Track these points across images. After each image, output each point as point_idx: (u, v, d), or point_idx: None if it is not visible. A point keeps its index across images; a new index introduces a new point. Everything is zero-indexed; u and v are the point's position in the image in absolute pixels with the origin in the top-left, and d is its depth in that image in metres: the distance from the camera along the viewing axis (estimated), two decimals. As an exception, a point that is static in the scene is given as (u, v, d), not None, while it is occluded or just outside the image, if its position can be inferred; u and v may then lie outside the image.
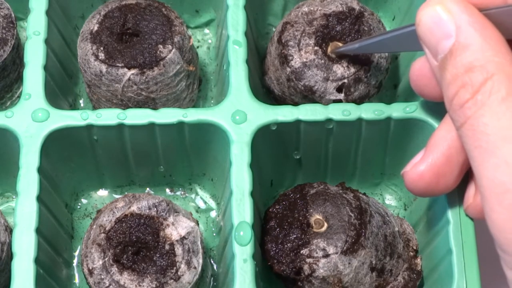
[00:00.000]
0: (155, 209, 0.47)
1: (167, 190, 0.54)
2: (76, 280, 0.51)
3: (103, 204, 0.54)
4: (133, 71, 0.50)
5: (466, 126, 0.37)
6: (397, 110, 0.49)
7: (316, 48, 0.51)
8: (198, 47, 0.58)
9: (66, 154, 0.50)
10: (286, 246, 0.47)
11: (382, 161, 0.52)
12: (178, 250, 0.46)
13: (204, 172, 0.53)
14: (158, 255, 0.46)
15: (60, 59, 0.53)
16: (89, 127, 0.49)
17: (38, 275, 0.45)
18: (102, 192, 0.54)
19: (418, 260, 0.49)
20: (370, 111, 0.48)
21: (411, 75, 0.44)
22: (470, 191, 0.43)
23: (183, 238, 0.46)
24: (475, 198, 0.42)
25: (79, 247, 0.52)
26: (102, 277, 0.45)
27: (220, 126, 0.48)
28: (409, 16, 0.55)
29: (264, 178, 0.52)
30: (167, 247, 0.46)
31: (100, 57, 0.50)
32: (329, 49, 0.51)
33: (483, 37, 0.37)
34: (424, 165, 0.42)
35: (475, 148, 0.36)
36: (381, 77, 0.52)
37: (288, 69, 0.51)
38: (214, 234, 0.53)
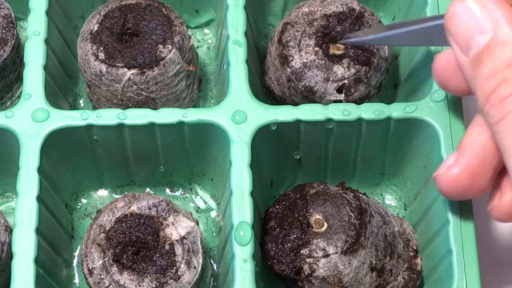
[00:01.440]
0: (155, 209, 0.47)
1: (167, 190, 0.54)
2: (76, 280, 0.51)
3: (103, 204, 0.54)
4: (133, 71, 0.50)
5: (507, 120, 0.37)
6: (397, 110, 0.49)
7: (316, 48, 0.51)
8: (198, 47, 0.58)
9: (66, 154, 0.50)
10: (286, 246, 0.47)
11: (382, 161, 0.52)
12: (178, 250, 0.46)
13: (204, 172, 0.53)
14: (158, 255, 0.46)
15: (60, 59, 0.53)
16: (89, 127, 0.49)
17: (38, 275, 0.45)
18: (102, 192, 0.54)
19: (418, 260, 0.49)
20: (370, 111, 0.48)
21: (435, 68, 0.44)
22: (496, 193, 0.42)
23: (183, 238, 0.46)
24: (501, 199, 0.41)
25: (79, 247, 0.52)
26: (102, 277, 0.45)
27: (220, 126, 0.48)
28: (409, 16, 0.55)
29: (264, 178, 0.52)
30: (167, 247, 0.46)
31: (100, 57, 0.50)
32: (334, 46, 0.51)
33: None
34: (459, 167, 0.41)
35: None
36: (381, 77, 0.52)
37: (289, 70, 0.51)
38: (214, 234, 0.53)
